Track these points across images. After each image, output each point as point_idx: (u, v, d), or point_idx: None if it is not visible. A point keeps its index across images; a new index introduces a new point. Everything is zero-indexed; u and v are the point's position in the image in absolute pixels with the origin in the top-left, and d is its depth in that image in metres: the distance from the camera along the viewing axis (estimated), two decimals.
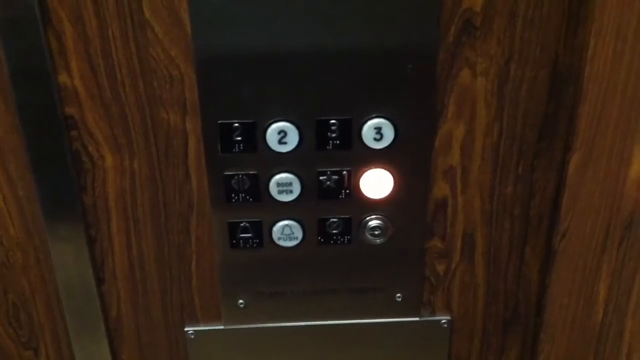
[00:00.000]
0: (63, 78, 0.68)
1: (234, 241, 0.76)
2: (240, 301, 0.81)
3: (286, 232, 0.75)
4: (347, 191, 0.73)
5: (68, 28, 0.65)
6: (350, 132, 0.70)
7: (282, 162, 0.71)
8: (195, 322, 0.83)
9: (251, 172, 0.72)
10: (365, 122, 0.69)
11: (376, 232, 0.75)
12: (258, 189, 0.72)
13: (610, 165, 0.70)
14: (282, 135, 0.69)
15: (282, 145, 0.70)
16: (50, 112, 0.68)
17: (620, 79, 0.66)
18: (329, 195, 0.73)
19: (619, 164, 0.70)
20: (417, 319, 0.83)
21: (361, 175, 0.72)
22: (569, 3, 0.65)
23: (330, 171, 0.72)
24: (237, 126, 0.69)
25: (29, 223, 0.76)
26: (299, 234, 0.76)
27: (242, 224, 0.75)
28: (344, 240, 0.76)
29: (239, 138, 0.69)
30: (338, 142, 0.70)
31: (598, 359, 0.82)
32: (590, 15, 0.64)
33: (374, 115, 0.69)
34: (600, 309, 0.79)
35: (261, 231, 0.75)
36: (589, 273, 0.76)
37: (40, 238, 0.77)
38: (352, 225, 0.75)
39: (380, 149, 0.71)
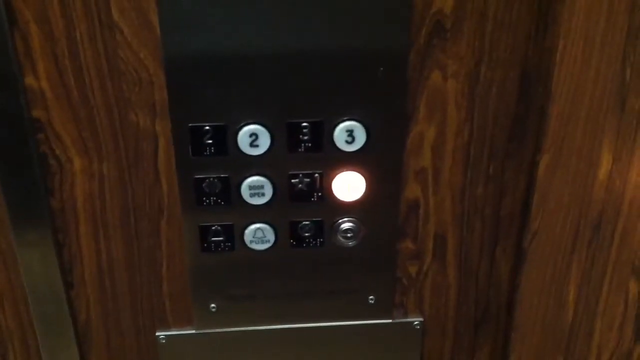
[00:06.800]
0: (29, 80, 0.66)
1: (205, 245, 0.75)
2: (212, 305, 0.80)
3: (258, 235, 0.75)
4: (319, 194, 0.73)
5: (34, 29, 0.64)
6: (322, 135, 0.69)
7: (254, 165, 0.71)
8: (167, 326, 0.82)
9: (222, 175, 0.71)
10: (337, 124, 0.69)
11: (348, 235, 0.75)
12: (229, 192, 0.72)
13: (579, 166, 0.71)
14: (253, 138, 0.69)
15: (254, 148, 0.69)
16: (16, 114, 0.67)
17: (588, 81, 0.67)
18: (300, 198, 0.73)
19: (587, 165, 0.71)
20: (389, 320, 0.83)
21: (333, 178, 0.72)
22: (538, 5, 0.66)
23: (302, 174, 0.71)
24: (207, 129, 0.68)
25: None
26: (271, 237, 0.75)
27: (213, 228, 0.74)
28: (316, 243, 0.76)
29: (210, 141, 0.69)
30: (310, 144, 0.70)
31: (568, 359, 0.83)
32: (559, 18, 0.64)
33: (345, 118, 0.69)
34: (570, 309, 0.79)
35: (233, 234, 0.75)
36: (559, 273, 0.77)
37: (7, 242, 0.75)
38: (324, 228, 0.75)
39: (352, 152, 0.70)
